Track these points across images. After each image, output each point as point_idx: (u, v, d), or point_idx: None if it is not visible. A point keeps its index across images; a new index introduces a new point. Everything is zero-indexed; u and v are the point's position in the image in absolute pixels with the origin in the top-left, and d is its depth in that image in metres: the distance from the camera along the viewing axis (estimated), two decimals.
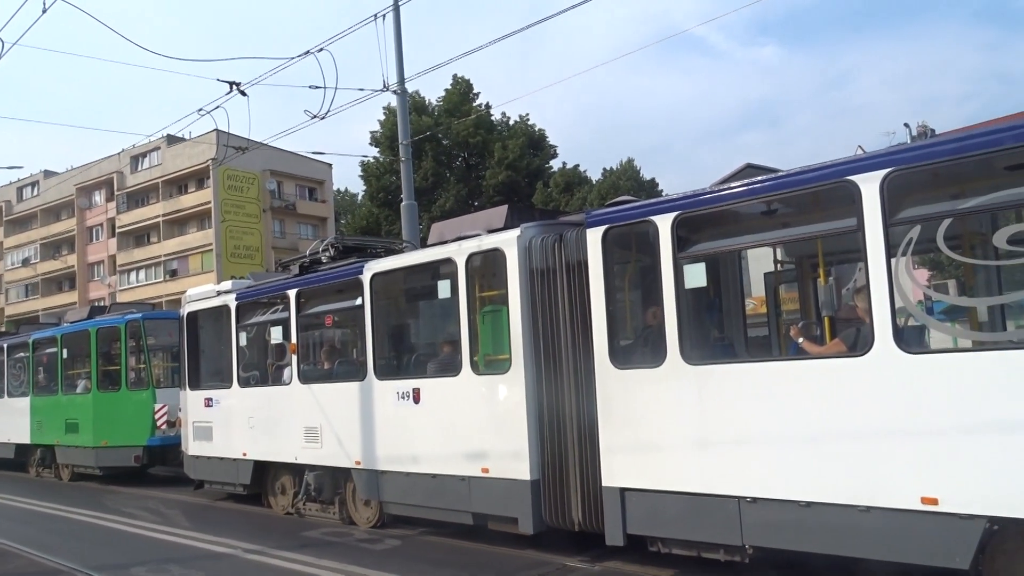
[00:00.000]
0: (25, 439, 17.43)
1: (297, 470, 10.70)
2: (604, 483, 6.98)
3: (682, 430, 6.45)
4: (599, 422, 7.03)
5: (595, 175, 51.29)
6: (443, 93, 47.19)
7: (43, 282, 65.67)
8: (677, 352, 6.46)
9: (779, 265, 8.03)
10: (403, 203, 16.26)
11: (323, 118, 12.89)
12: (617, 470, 6.89)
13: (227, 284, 12.26)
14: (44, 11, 8.27)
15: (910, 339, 5.60)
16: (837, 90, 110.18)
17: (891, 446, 5.38)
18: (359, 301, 9.54)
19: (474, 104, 46.70)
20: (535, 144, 47.71)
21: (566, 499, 7.37)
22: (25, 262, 66.91)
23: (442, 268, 8.68)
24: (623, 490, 6.85)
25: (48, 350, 17.23)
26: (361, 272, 9.50)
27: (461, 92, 46.80)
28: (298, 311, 10.43)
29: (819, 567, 6.20)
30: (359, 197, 76.79)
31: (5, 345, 18.88)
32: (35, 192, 67.03)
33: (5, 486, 15.95)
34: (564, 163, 50.68)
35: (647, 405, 6.70)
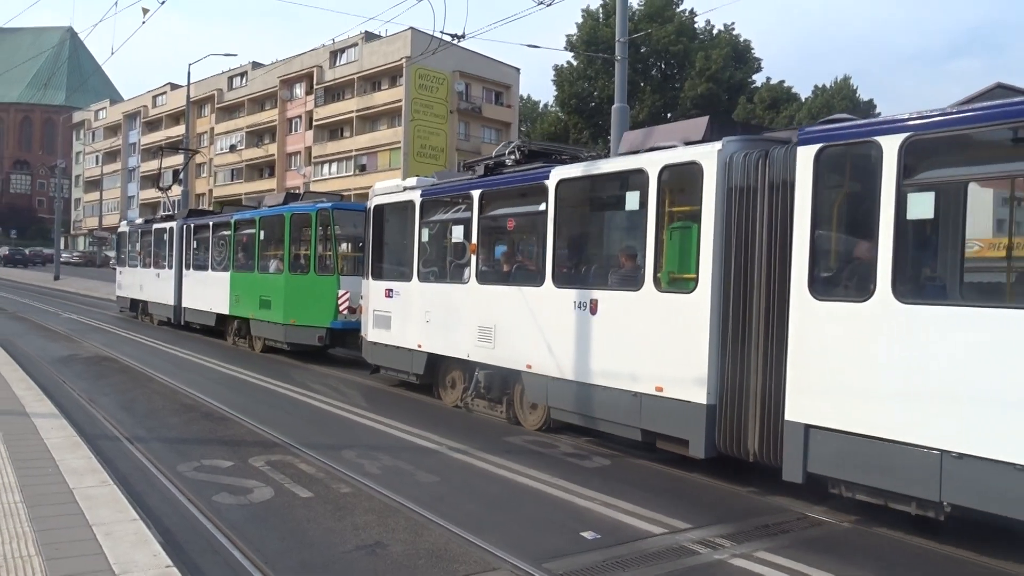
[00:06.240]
0: (224, 310, 19.06)
1: (468, 367, 10.96)
2: (787, 416, 6.60)
3: (884, 371, 5.92)
4: (788, 353, 6.60)
5: (803, 93, 47.99)
6: None
7: (247, 168, 70.88)
8: (888, 288, 5.87)
9: (1016, 203, 7.08)
10: (615, 106, 15.66)
11: (549, 4, 12.38)
12: (803, 404, 6.48)
13: (412, 180, 12.45)
14: None
15: None
16: None
17: None
18: (542, 207, 9.41)
19: (677, 10, 44.44)
20: (739, 56, 44.92)
21: (743, 428, 7.05)
22: (232, 148, 72.27)
23: (632, 179, 8.34)
24: (808, 426, 6.45)
25: (247, 231, 18.53)
26: (547, 177, 9.34)
27: None
28: (480, 212, 10.46)
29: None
30: (541, 105, 76.37)
31: (211, 223, 20.52)
32: (243, 82, 71.72)
33: (210, 351, 17.63)
34: (768, 78, 47.73)
35: (845, 340, 6.19)
